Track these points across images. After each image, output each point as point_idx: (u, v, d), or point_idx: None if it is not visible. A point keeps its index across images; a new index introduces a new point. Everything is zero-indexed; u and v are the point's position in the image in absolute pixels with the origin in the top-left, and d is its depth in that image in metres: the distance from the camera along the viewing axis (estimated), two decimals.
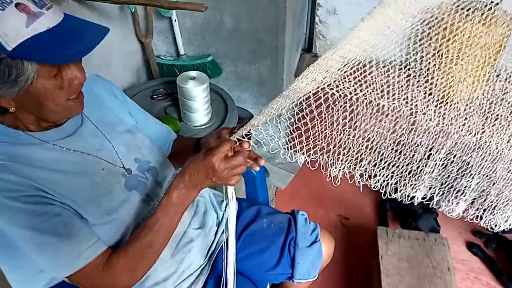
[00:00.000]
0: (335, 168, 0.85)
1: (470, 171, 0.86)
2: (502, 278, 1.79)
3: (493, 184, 0.89)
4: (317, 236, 1.25)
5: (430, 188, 0.89)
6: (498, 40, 0.81)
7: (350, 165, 0.86)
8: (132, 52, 1.89)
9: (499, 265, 1.83)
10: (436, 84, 0.82)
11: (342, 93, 0.76)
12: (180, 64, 1.96)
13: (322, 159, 0.85)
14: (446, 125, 0.82)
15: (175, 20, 1.85)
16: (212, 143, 0.99)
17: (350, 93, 0.76)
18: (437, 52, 0.77)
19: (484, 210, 0.90)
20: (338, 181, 0.85)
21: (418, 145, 0.85)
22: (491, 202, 0.91)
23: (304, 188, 2.24)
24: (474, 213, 0.90)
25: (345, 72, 0.74)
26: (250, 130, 0.87)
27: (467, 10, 0.69)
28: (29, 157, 0.83)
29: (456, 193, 0.89)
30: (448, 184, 0.89)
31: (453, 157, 0.86)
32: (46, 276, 0.87)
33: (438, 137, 0.84)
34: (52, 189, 0.82)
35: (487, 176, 0.88)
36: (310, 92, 0.74)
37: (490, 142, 0.82)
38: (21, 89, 0.74)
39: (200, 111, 1.62)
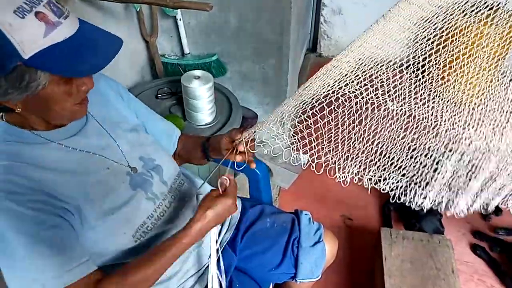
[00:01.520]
0: (344, 172, 0.86)
1: (478, 174, 0.85)
2: (506, 280, 1.78)
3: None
4: (321, 236, 1.25)
5: (438, 193, 0.88)
6: (502, 40, 0.80)
7: (359, 170, 0.86)
8: (137, 51, 1.90)
9: (503, 267, 1.82)
10: (446, 87, 0.82)
11: (352, 96, 0.77)
12: (185, 63, 1.96)
13: (330, 162, 0.85)
14: (457, 131, 0.82)
15: (180, 19, 1.85)
16: (224, 145, 1.02)
17: (357, 96, 0.77)
18: (446, 54, 0.76)
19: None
20: (346, 183, 0.85)
21: (428, 149, 0.85)
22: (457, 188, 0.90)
23: (307, 188, 2.24)
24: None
25: (356, 76, 0.75)
26: (257, 131, 0.89)
27: (473, 12, 0.68)
28: (34, 156, 0.83)
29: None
30: (456, 189, 0.88)
31: (463, 163, 0.85)
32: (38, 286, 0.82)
33: (450, 142, 0.84)
34: (55, 190, 0.82)
35: (492, 176, 0.87)
36: (320, 94, 0.75)
37: (500, 145, 0.82)
38: (31, 94, 0.74)
39: (204, 110, 1.62)
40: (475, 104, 0.83)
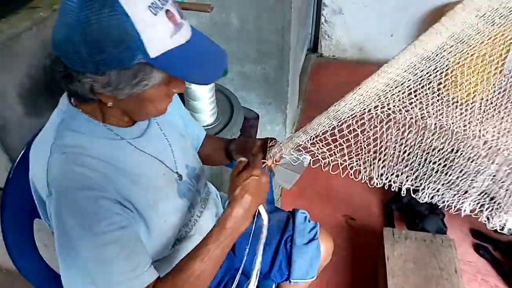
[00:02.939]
0: (381, 180, 0.87)
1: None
2: (509, 280, 1.78)
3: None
4: (316, 234, 1.22)
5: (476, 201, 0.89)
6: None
7: (396, 179, 0.88)
8: None
9: (506, 267, 1.82)
10: (481, 99, 0.83)
11: (391, 113, 0.78)
12: None
13: (367, 172, 0.87)
14: (496, 142, 0.83)
15: None
16: (254, 151, 1.02)
17: (398, 112, 0.78)
18: (473, 65, 0.77)
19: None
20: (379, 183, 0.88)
21: (468, 160, 0.86)
22: (499, 202, 0.91)
23: (310, 188, 2.23)
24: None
25: (393, 95, 0.76)
26: (291, 148, 0.91)
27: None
28: (102, 151, 0.79)
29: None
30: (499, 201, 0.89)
31: (503, 173, 0.86)
32: None
33: (488, 153, 0.85)
34: (121, 189, 0.79)
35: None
36: (357, 112, 0.77)
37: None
38: (136, 91, 0.71)
39: (205, 111, 1.62)
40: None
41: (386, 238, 1.65)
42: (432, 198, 0.86)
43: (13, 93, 1.06)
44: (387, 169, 0.88)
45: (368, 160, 0.87)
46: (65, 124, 0.78)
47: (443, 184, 0.86)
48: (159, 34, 0.66)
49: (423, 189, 0.86)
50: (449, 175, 0.87)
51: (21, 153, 0.97)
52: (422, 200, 0.86)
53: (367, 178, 0.87)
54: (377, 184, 0.87)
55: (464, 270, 1.78)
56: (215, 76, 0.76)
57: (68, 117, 0.79)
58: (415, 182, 0.87)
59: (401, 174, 0.87)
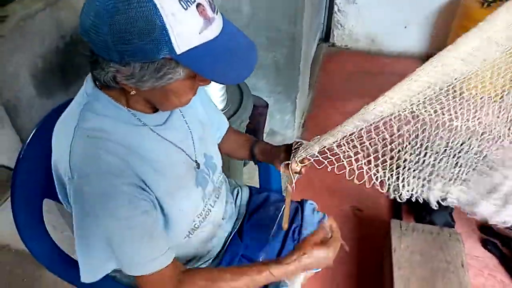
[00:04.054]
0: (406, 189, 0.87)
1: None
2: None
3: None
4: None
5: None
6: None
7: (419, 187, 0.88)
8: None
9: None
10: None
11: (418, 116, 0.77)
12: None
13: (390, 179, 0.87)
14: None
15: None
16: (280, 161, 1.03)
17: (422, 114, 0.77)
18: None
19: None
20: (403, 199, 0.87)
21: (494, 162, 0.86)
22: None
23: (318, 178, 2.23)
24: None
25: (424, 97, 0.75)
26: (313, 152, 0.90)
27: None
28: (127, 137, 0.79)
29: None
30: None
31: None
32: (112, 267, 0.81)
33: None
34: (143, 177, 0.79)
35: None
36: (388, 114, 0.76)
37: None
38: (159, 84, 0.70)
39: (215, 97, 1.61)
40: None
41: (393, 230, 1.65)
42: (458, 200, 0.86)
43: (26, 73, 1.06)
44: (413, 178, 0.87)
45: (393, 168, 0.85)
46: (89, 107, 0.77)
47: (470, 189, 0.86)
48: (187, 30, 0.63)
49: (448, 193, 0.85)
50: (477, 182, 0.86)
51: (32, 133, 0.97)
52: (451, 204, 0.86)
53: (392, 189, 0.87)
54: (399, 197, 0.86)
55: (471, 265, 1.77)
56: (242, 77, 0.73)
57: (93, 99, 0.78)
58: (443, 190, 0.86)
59: (428, 182, 0.86)
